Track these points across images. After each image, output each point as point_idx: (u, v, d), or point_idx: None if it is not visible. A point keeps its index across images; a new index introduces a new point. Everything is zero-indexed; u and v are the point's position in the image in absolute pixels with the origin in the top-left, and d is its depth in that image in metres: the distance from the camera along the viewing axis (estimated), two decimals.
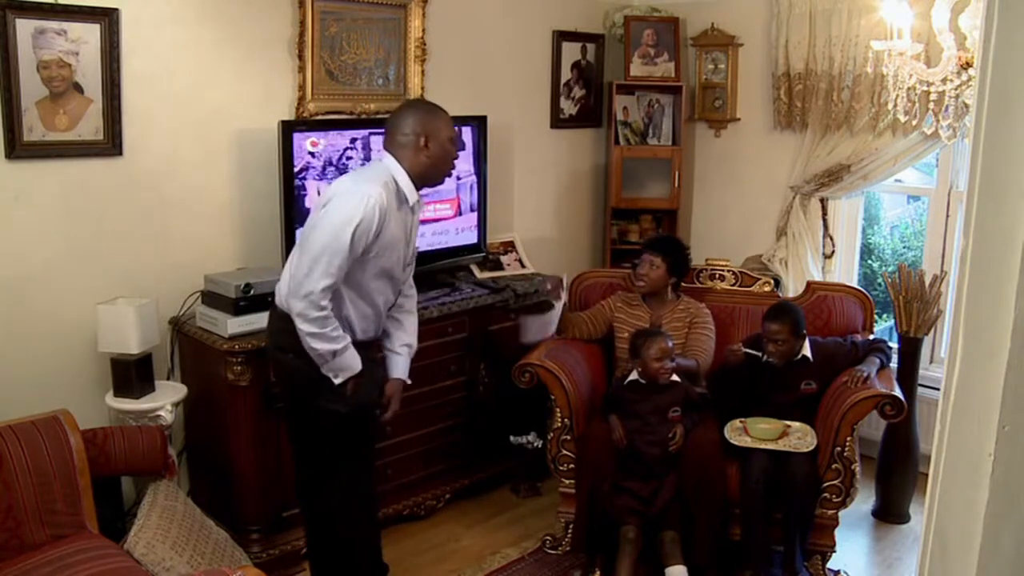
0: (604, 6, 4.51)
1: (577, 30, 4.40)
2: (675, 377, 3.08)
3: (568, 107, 4.46)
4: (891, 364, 3.19)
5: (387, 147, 2.50)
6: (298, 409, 2.60)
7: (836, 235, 4.18)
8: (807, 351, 3.13)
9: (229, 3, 3.15)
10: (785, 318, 3.08)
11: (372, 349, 2.62)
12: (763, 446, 2.95)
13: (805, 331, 3.13)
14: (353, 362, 2.43)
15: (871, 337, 3.28)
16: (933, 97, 3.00)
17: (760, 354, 3.08)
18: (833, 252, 4.19)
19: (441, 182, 2.66)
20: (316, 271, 2.30)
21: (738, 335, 3.47)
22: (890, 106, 3.47)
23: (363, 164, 3.25)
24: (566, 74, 4.40)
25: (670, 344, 3.06)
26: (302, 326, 2.33)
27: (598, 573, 3.00)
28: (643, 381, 3.07)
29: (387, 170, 2.45)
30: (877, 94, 3.77)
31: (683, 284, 3.47)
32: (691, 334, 3.32)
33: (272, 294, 2.57)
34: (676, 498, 2.90)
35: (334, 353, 2.38)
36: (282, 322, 2.45)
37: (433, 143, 2.47)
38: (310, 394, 2.48)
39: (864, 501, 3.57)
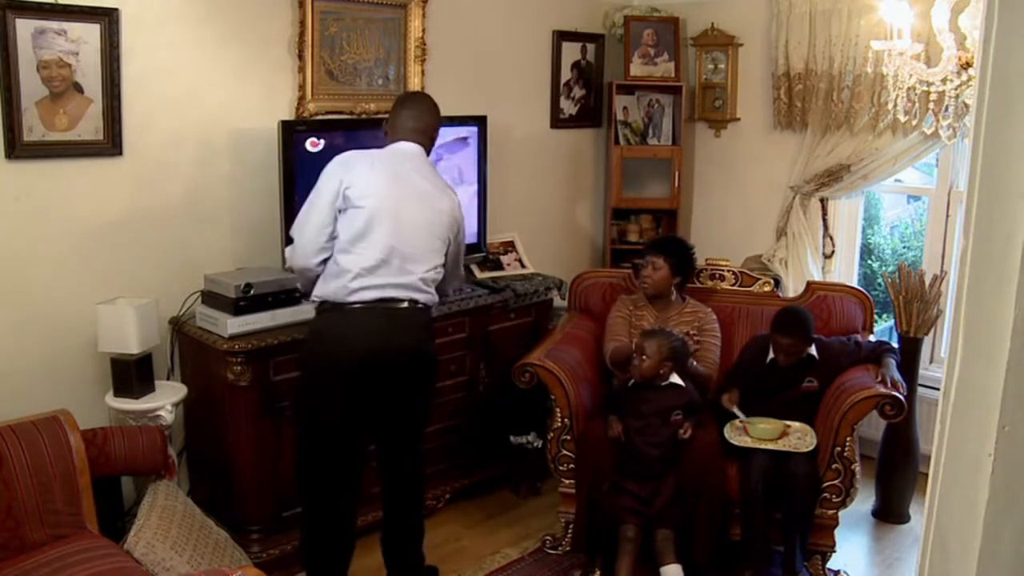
0: (604, 6, 4.51)
1: (577, 30, 4.40)
2: (678, 380, 3.07)
3: (568, 107, 4.45)
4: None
5: (413, 137, 2.70)
6: (432, 394, 2.84)
7: (836, 235, 4.18)
8: (812, 350, 3.14)
9: (229, 3, 3.15)
10: (798, 330, 3.09)
11: None
12: (763, 446, 2.95)
13: (813, 335, 3.14)
14: None
15: (873, 339, 3.28)
16: (933, 97, 3.00)
17: (742, 416, 3.07)
18: (833, 252, 4.19)
19: None
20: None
21: (739, 335, 3.48)
22: (890, 106, 3.48)
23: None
24: (566, 74, 4.40)
25: (667, 346, 3.04)
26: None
27: (598, 573, 3.00)
28: (646, 383, 3.06)
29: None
30: (877, 94, 3.77)
31: (686, 285, 3.47)
32: (699, 341, 3.31)
33: (393, 300, 2.61)
34: (675, 498, 2.90)
35: None
36: (426, 314, 2.69)
37: (435, 133, 2.78)
38: (436, 373, 2.81)
39: (864, 501, 3.56)
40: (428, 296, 2.66)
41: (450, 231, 2.71)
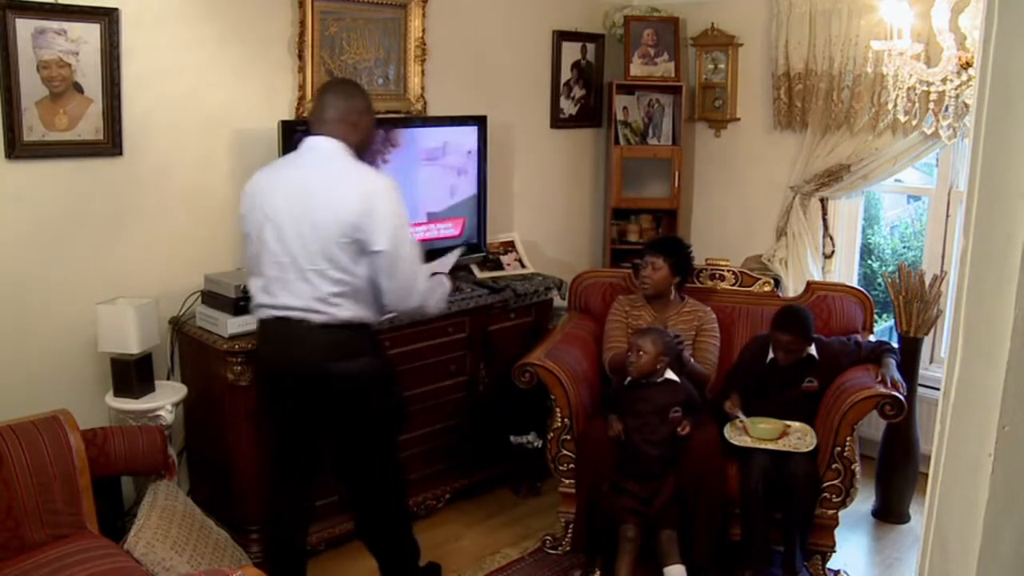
0: (604, 6, 4.51)
1: (577, 30, 4.40)
2: (673, 376, 3.08)
3: (568, 107, 4.45)
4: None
5: (330, 128, 2.48)
6: (365, 412, 2.56)
7: (836, 235, 4.18)
8: (812, 350, 3.14)
9: (229, 3, 3.15)
10: (797, 328, 3.09)
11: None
12: (763, 446, 2.95)
13: (813, 335, 3.14)
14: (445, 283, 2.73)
15: (873, 339, 3.28)
16: (933, 97, 3.00)
17: (742, 415, 3.07)
18: (833, 252, 4.19)
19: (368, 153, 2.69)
20: (420, 267, 2.54)
21: (739, 335, 3.48)
22: (890, 106, 3.48)
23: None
24: (566, 74, 4.40)
25: (662, 341, 3.05)
26: (439, 306, 2.68)
27: (598, 573, 3.00)
28: (644, 380, 3.06)
29: (347, 153, 2.48)
30: (877, 94, 3.77)
31: (685, 285, 3.47)
32: (698, 341, 3.31)
33: (286, 319, 2.48)
34: (675, 498, 2.90)
35: (444, 294, 2.71)
36: (344, 333, 2.47)
37: (365, 119, 2.56)
38: (383, 392, 2.60)
39: (864, 501, 3.56)
40: (328, 315, 2.43)
41: (354, 227, 2.37)
